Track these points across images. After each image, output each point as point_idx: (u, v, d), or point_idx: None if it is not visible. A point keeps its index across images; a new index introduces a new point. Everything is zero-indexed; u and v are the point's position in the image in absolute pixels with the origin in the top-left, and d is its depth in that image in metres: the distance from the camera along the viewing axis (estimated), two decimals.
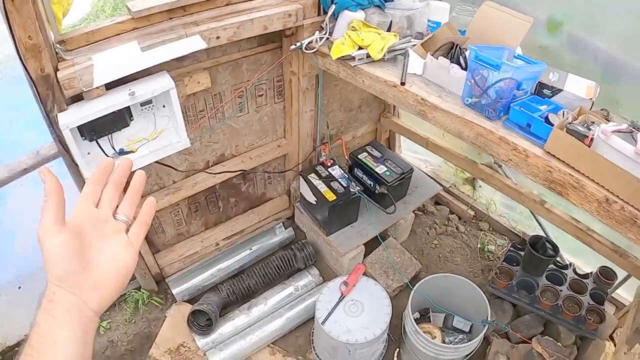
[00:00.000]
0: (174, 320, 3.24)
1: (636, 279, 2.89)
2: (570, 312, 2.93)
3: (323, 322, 2.80)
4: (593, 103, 2.06)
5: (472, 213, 4.10)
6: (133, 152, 2.44)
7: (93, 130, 2.27)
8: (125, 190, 0.95)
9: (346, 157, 3.70)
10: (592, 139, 1.80)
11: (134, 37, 2.31)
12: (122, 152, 2.41)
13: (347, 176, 3.39)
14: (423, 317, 3.21)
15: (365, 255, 3.58)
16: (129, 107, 2.33)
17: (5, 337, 3.01)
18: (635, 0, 2.22)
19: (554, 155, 1.89)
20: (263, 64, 2.95)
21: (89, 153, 2.36)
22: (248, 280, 3.36)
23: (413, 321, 2.74)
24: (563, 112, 1.99)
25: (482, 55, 1.99)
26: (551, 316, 3.01)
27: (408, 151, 4.39)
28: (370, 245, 3.56)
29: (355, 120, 3.90)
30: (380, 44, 2.45)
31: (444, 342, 2.98)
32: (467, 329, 3.07)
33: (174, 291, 3.34)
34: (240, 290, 3.33)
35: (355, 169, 3.61)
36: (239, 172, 3.29)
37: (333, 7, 2.63)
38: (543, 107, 2.04)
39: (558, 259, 3.33)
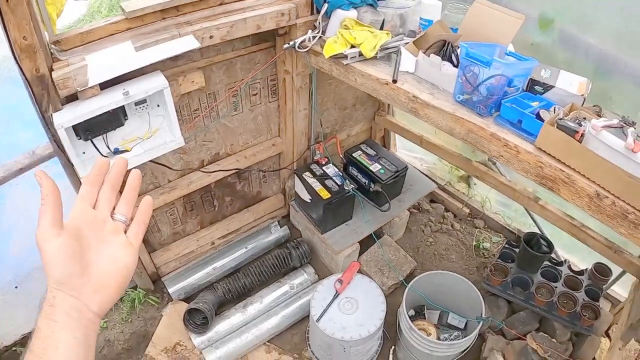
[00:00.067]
0: (170, 319, 3.24)
1: (631, 275, 2.90)
2: (565, 308, 2.94)
3: (318, 320, 2.81)
4: (585, 99, 2.06)
5: (467, 211, 4.11)
6: (128, 151, 2.44)
7: (88, 130, 2.28)
8: (121, 190, 0.95)
9: (341, 156, 3.70)
10: (582, 135, 1.81)
11: (128, 37, 2.32)
12: (117, 152, 2.41)
13: (341, 174, 3.40)
14: (418, 314, 3.23)
15: (361, 253, 3.59)
16: (123, 106, 2.33)
17: (2, 337, 3.01)
18: None
19: (544, 151, 1.90)
20: (257, 63, 2.96)
21: (84, 152, 2.37)
22: (244, 279, 3.37)
23: (407, 318, 2.75)
24: (554, 108, 1.99)
25: (472, 52, 2.00)
26: (546, 313, 3.02)
27: (403, 149, 4.40)
28: (366, 243, 3.56)
29: (350, 119, 3.91)
30: (373, 42, 2.46)
31: (438, 339, 2.99)
32: (462, 326, 3.08)
33: (170, 290, 3.34)
34: (236, 288, 3.33)
35: (350, 167, 3.62)
36: (234, 171, 3.30)
37: (326, 5, 2.64)
38: (534, 104, 2.04)
39: (553, 255, 3.33)
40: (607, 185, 1.77)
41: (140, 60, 2.21)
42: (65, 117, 2.12)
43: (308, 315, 3.00)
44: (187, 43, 2.32)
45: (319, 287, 3.00)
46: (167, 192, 3.04)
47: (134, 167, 0.98)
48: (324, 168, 3.44)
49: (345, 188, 3.29)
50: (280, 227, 3.82)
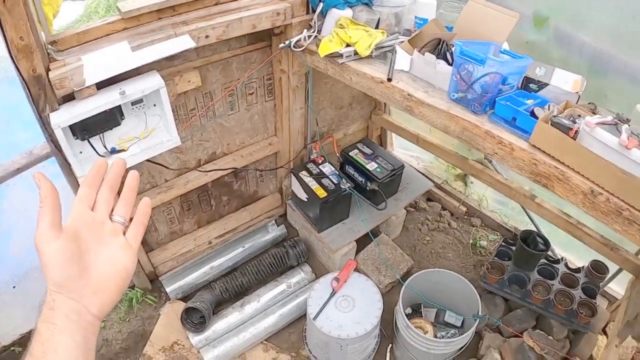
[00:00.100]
0: (168, 318, 3.25)
1: (628, 272, 2.91)
2: (562, 306, 2.95)
3: (314, 318, 2.82)
4: (579, 97, 2.07)
5: (464, 209, 4.12)
6: (124, 150, 2.45)
7: (85, 130, 2.29)
8: (120, 191, 0.94)
9: (337, 155, 3.71)
10: (576, 132, 1.82)
11: (124, 37, 2.33)
12: (113, 151, 2.42)
13: (337, 173, 3.41)
14: (415, 312, 3.24)
15: (358, 252, 3.60)
16: (120, 106, 2.34)
17: (0, 337, 3.02)
18: None
19: (539, 148, 1.91)
20: (253, 62, 2.97)
21: (81, 152, 2.38)
22: (241, 278, 3.38)
23: (404, 316, 2.76)
24: (549, 105, 2.00)
25: (467, 50, 2.01)
26: (543, 310, 3.03)
27: (400, 148, 4.41)
28: (363, 242, 3.58)
29: (346, 118, 3.92)
30: (368, 41, 2.47)
31: (435, 336, 3.00)
32: (459, 324, 3.09)
33: (168, 289, 3.35)
34: (233, 287, 3.34)
35: (347, 166, 3.63)
36: (231, 170, 3.31)
37: (321, 5, 2.66)
38: (529, 102, 2.05)
39: (549, 253, 3.35)
40: (602, 182, 1.77)
41: (137, 60, 2.22)
42: (62, 117, 2.13)
43: (305, 314, 3.01)
44: (183, 43, 2.33)
45: (315, 286, 3.01)
46: (164, 192, 3.04)
47: (131, 167, 0.97)
48: (320, 167, 3.44)
49: (342, 187, 3.30)
50: (277, 226, 3.83)
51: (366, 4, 2.67)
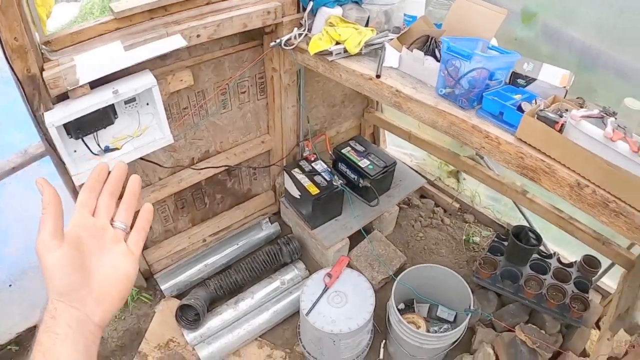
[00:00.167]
0: (163, 316, 3.27)
1: (620, 266, 2.93)
2: (555, 300, 2.96)
3: (307, 313, 2.83)
4: (567, 91, 2.09)
5: (457, 205, 4.14)
6: (118, 149, 2.48)
7: (79, 128, 2.31)
8: (120, 195, 0.93)
9: (330, 152, 3.73)
10: (562, 125, 1.84)
11: (117, 37, 2.34)
12: (107, 149, 2.44)
13: (330, 170, 3.43)
14: (408, 307, 3.26)
15: (351, 249, 3.62)
16: (113, 105, 2.36)
17: None
18: None
19: (525, 142, 1.93)
20: (245, 61, 2.99)
21: (75, 151, 2.40)
22: (235, 275, 3.40)
23: (397, 311, 2.78)
24: (536, 100, 2.02)
25: (454, 46, 2.03)
26: (535, 305, 3.04)
27: (393, 145, 4.42)
28: (356, 239, 3.59)
29: (339, 116, 3.94)
30: (357, 39, 2.49)
31: (428, 331, 3.02)
32: (451, 319, 3.11)
33: (163, 287, 3.37)
34: (227, 285, 3.36)
35: (339, 163, 3.65)
36: (224, 168, 3.33)
37: (311, 3, 2.68)
38: (517, 96, 2.08)
39: (542, 248, 3.37)
40: (587, 174, 1.80)
41: (129, 59, 2.24)
42: (56, 116, 2.15)
43: (299, 310, 3.02)
44: (175, 42, 2.35)
45: (308, 282, 3.03)
46: (158, 190, 3.06)
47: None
48: (312, 164, 3.47)
49: (334, 184, 3.32)
50: (271, 223, 3.85)
51: (356, 2, 2.69)
